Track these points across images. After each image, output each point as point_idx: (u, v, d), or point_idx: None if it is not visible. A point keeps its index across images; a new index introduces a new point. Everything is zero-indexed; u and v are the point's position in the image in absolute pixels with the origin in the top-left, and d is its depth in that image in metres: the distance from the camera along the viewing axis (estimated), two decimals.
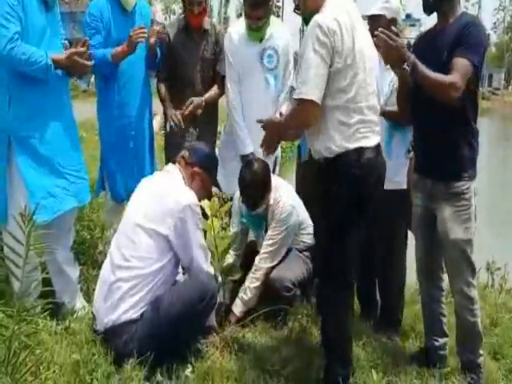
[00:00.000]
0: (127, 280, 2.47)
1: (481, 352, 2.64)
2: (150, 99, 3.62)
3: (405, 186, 3.01)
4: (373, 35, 2.42)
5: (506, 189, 9.81)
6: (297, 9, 3.46)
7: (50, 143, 2.74)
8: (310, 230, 3.25)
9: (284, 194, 3.18)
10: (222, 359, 2.61)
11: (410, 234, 3.05)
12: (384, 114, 2.85)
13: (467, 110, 2.51)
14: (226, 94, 3.52)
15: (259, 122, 2.61)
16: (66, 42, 2.86)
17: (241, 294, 3.08)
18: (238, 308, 3.05)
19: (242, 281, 3.15)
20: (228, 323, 2.96)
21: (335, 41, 2.21)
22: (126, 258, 2.51)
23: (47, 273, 2.86)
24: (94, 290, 2.87)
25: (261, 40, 3.43)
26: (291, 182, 3.60)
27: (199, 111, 3.45)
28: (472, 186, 2.54)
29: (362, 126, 2.31)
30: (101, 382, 2.18)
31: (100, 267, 2.76)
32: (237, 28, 3.52)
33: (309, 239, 3.27)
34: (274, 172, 3.51)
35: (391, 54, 2.38)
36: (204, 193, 2.80)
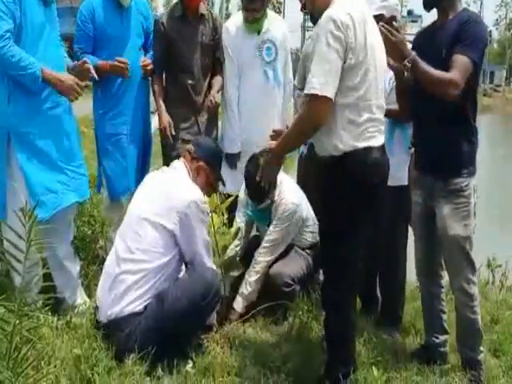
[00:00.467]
0: (132, 273, 2.48)
1: (481, 349, 2.65)
2: (147, 97, 3.57)
3: (406, 182, 3.01)
4: None
5: (508, 186, 9.80)
6: (304, 8, 3.48)
7: (49, 139, 2.74)
8: (313, 228, 3.26)
9: (288, 190, 3.19)
10: (223, 355, 2.61)
11: (410, 231, 3.05)
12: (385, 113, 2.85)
13: (466, 107, 2.51)
14: (223, 87, 3.52)
15: (273, 137, 2.57)
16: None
17: (241, 290, 3.09)
18: (239, 304, 3.06)
19: (242, 276, 3.16)
20: (229, 320, 2.96)
21: (349, 36, 2.15)
22: (131, 251, 2.52)
23: (48, 268, 2.86)
24: (95, 285, 2.89)
25: (258, 33, 3.45)
26: (293, 177, 3.60)
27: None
28: (471, 182, 2.54)
29: (370, 124, 2.27)
30: (102, 376, 2.18)
31: (101, 262, 2.77)
32: (234, 21, 3.53)
33: (311, 237, 3.27)
34: None
35: (392, 50, 2.37)
36: (209, 188, 2.81)
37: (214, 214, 2.92)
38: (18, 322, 1.76)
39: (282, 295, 3.07)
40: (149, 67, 3.41)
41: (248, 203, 3.27)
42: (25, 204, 1.77)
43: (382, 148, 2.36)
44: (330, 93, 2.15)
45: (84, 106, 3.65)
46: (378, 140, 2.33)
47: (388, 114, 2.91)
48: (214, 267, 2.73)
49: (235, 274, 3.18)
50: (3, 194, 2.73)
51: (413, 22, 29.46)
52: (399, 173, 2.97)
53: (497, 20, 63.25)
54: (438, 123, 2.52)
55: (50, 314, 2.48)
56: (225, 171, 3.54)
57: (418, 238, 2.81)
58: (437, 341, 2.79)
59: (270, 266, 3.15)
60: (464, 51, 2.39)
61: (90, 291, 3.06)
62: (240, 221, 3.32)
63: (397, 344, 2.96)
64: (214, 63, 3.55)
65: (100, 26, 3.27)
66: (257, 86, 3.48)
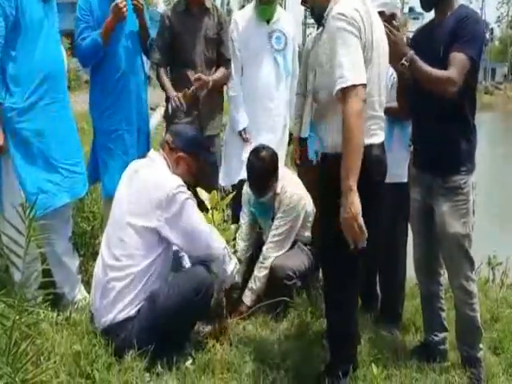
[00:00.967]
0: (119, 279, 2.45)
1: (481, 346, 2.65)
2: (146, 93, 3.53)
3: (405, 180, 3.00)
4: None
5: (508, 184, 9.79)
6: (304, 1, 3.50)
7: (46, 136, 2.73)
8: None
9: (291, 183, 3.20)
10: (223, 351, 2.61)
11: (410, 228, 3.05)
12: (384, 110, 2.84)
13: (465, 104, 2.50)
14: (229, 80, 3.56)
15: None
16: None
17: (250, 285, 3.13)
18: (248, 298, 3.10)
19: (249, 272, 3.19)
20: (237, 313, 3.00)
21: (360, 32, 2.15)
22: (116, 258, 2.48)
23: (47, 264, 2.86)
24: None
25: (268, 22, 3.53)
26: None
27: (204, 92, 3.38)
28: (470, 180, 2.54)
29: (372, 122, 2.26)
30: (101, 372, 2.19)
31: None
32: (243, 13, 3.63)
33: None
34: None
35: (391, 48, 2.36)
36: (190, 177, 2.73)
37: (214, 211, 2.91)
38: (17, 317, 1.76)
39: (283, 288, 3.08)
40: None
41: (250, 200, 3.27)
42: (23, 199, 1.77)
43: (382, 145, 2.36)
44: (364, 79, 2.13)
45: (84, 102, 3.64)
46: (379, 137, 2.33)
47: (387, 112, 2.90)
48: (222, 244, 2.63)
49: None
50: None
51: (414, 19, 29.37)
52: (399, 170, 2.96)
53: (498, 17, 63.17)
54: (437, 121, 2.52)
55: (49, 309, 2.47)
56: (222, 171, 3.59)
57: (416, 236, 2.81)
58: (436, 338, 2.79)
59: None
60: (461, 48, 2.38)
61: (89, 287, 3.06)
62: (244, 221, 3.33)
63: (396, 341, 2.96)
64: (218, 58, 3.55)
65: (97, 20, 3.24)
66: (267, 72, 3.55)
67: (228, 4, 57.57)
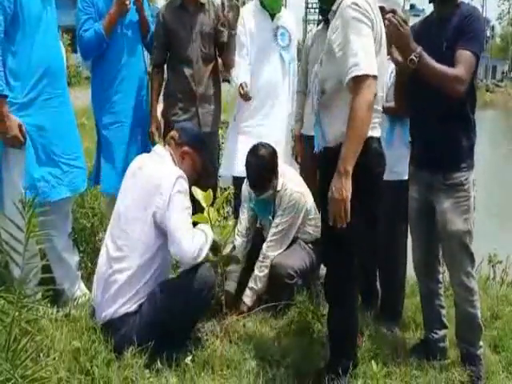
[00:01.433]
0: (122, 271, 2.46)
1: (481, 344, 2.64)
2: (146, 88, 3.53)
3: (406, 177, 2.99)
4: None
5: (509, 181, 9.77)
6: None
7: (45, 131, 2.73)
8: (317, 221, 3.25)
9: (292, 180, 3.19)
10: (222, 348, 2.61)
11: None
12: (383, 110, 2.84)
13: (466, 100, 2.50)
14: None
15: None
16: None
17: (251, 284, 3.12)
18: (248, 297, 3.09)
19: (248, 268, 3.18)
20: (236, 312, 2.99)
21: (372, 23, 2.17)
22: (119, 248, 2.51)
23: (47, 260, 2.86)
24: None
25: (272, 18, 3.58)
26: None
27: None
28: (470, 176, 2.54)
29: (374, 115, 2.26)
30: (101, 369, 2.19)
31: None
32: (247, 9, 3.64)
33: (314, 231, 3.27)
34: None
35: (399, 42, 2.35)
36: (194, 173, 2.76)
37: (210, 208, 2.90)
38: (17, 313, 1.76)
39: (284, 287, 3.07)
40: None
41: (250, 197, 3.27)
42: (23, 195, 1.76)
43: (379, 140, 2.37)
44: (376, 71, 2.14)
45: (86, 98, 3.63)
46: (379, 131, 2.35)
47: (386, 111, 2.90)
48: (194, 245, 2.50)
49: (234, 268, 3.18)
50: (0, 183, 2.71)
51: (415, 16, 29.38)
52: (400, 167, 2.96)
53: (500, 14, 62.94)
54: (438, 118, 2.51)
55: (49, 305, 2.48)
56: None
57: (415, 234, 2.80)
58: (436, 336, 2.79)
59: None
60: (467, 46, 2.38)
61: (90, 283, 3.05)
62: (243, 217, 3.32)
63: (396, 339, 2.96)
64: (219, 49, 3.55)
65: (100, 9, 3.24)
66: (273, 69, 3.58)
67: None
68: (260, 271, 3.11)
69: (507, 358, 2.81)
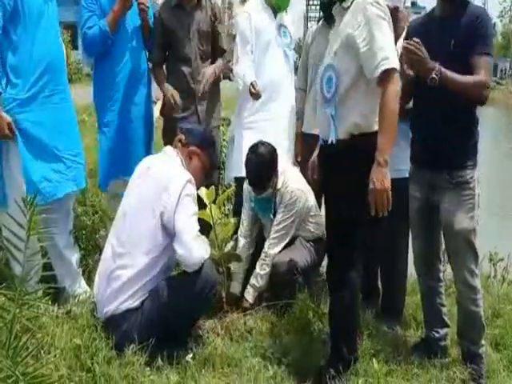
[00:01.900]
0: (126, 268, 2.46)
1: (482, 342, 2.64)
2: (149, 85, 3.52)
3: (407, 175, 2.99)
4: None
5: (510, 179, 9.76)
6: None
7: (46, 127, 2.72)
8: (318, 219, 3.25)
9: (292, 178, 3.19)
10: (223, 346, 2.62)
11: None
12: None
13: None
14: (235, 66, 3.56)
15: None
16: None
17: (252, 282, 3.11)
18: (250, 295, 3.09)
19: (252, 269, 3.18)
20: (236, 309, 2.98)
21: (389, 23, 2.26)
22: (124, 246, 2.51)
23: (48, 258, 2.85)
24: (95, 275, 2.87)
25: (275, 15, 3.59)
26: None
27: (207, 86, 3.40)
28: (475, 174, 2.54)
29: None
30: (101, 366, 2.19)
31: (101, 252, 2.75)
32: (251, 6, 3.62)
33: (315, 229, 3.26)
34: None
35: (419, 67, 2.40)
36: (201, 173, 2.77)
37: (212, 205, 2.90)
38: (18, 310, 1.75)
39: (285, 284, 3.07)
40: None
41: (251, 196, 3.26)
42: (25, 193, 1.76)
43: None
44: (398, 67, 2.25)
45: (87, 94, 3.62)
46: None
47: None
48: (198, 246, 2.52)
49: (238, 268, 3.18)
50: (3, 182, 2.71)
51: (416, 13, 29.33)
52: (401, 165, 2.95)
53: (501, 12, 62.72)
54: (442, 117, 2.50)
55: (50, 303, 2.48)
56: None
57: (416, 233, 2.80)
58: (437, 335, 2.78)
59: None
60: (484, 50, 2.41)
61: (90, 281, 3.05)
62: (245, 218, 3.32)
63: (397, 337, 2.96)
64: (214, 50, 3.55)
65: (103, 6, 3.23)
66: (278, 65, 3.58)
67: None
68: (261, 269, 3.11)
69: (508, 357, 2.81)
